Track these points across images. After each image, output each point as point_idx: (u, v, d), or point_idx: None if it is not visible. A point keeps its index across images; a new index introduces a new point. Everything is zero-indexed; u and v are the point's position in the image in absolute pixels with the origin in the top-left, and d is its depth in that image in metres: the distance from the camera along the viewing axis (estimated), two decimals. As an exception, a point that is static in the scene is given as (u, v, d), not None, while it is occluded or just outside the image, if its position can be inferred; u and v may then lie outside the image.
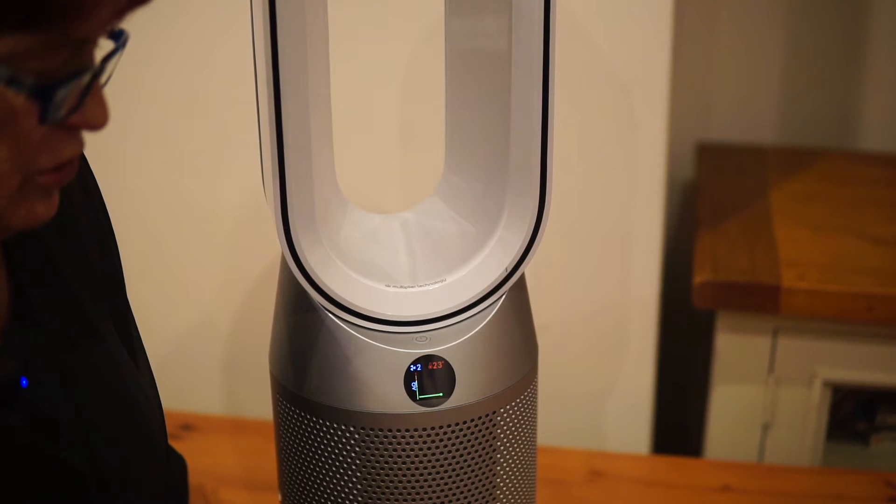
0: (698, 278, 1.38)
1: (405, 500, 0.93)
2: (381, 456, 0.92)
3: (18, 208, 0.66)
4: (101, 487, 0.78)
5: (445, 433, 0.92)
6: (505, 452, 0.95)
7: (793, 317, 1.38)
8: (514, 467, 0.97)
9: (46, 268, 0.79)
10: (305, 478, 0.95)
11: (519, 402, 0.96)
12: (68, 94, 0.63)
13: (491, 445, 0.94)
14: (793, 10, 1.68)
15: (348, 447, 0.92)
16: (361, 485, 0.93)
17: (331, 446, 0.93)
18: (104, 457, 0.79)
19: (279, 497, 1.03)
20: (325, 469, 0.94)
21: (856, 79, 1.70)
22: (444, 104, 0.99)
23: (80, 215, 0.84)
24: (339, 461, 0.93)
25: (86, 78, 0.64)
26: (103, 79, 0.66)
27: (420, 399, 0.91)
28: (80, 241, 0.83)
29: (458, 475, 0.93)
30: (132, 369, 0.86)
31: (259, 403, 1.38)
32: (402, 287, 0.94)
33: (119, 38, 0.66)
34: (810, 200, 1.55)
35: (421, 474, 0.92)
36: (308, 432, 0.93)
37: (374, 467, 0.92)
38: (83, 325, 0.81)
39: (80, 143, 0.67)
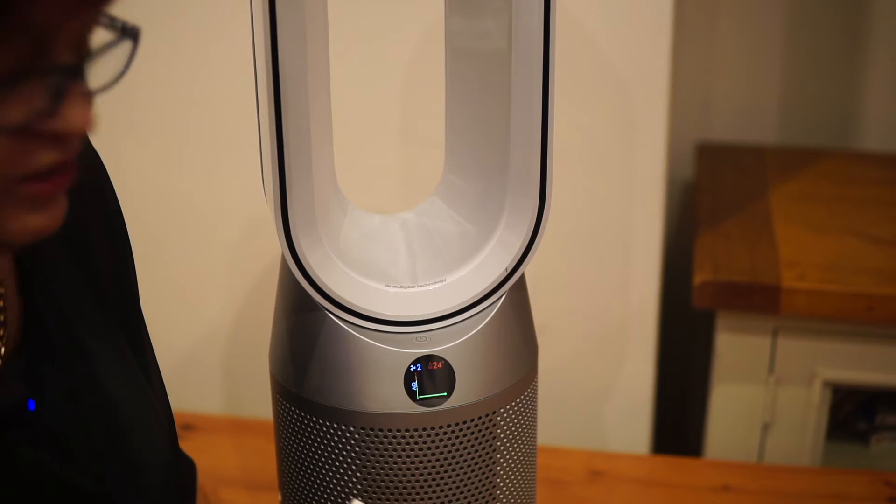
0: (698, 278, 1.38)
1: (405, 500, 0.93)
2: (381, 456, 0.92)
3: (7, 222, 0.62)
4: None
5: (445, 433, 0.92)
6: (505, 452, 0.95)
7: (793, 317, 1.38)
8: (514, 467, 0.97)
9: (59, 286, 0.78)
10: (305, 478, 0.95)
11: (519, 402, 0.95)
12: (22, 97, 0.58)
13: (491, 445, 0.94)
14: (793, 10, 1.68)
15: (348, 447, 0.92)
16: (361, 485, 0.93)
17: (331, 446, 0.92)
18: (113, 477, 0.78)
19: (279, 497, 1.03)
20: (325, 469, 0.94)
21: (856, 79, 1.70)
22: (444, 104, 0.99)
23: (94, 226, 0.84)
24: (339, 461, 0.93)
25: (53, 81, 0.58)
26: (99, 80, 0.61)
27: (420, 399, 0.91)
28: (94, 254, 0.83)
29: (458, 475, 0.93)
30: (143, 385, 0.85)
31: (259, 403, 1.38)
32: (402, 287, 0.94)
33: (127, 34, 0.61)
34: (810, 200, 1.55)
35: (421, 474, 0.92)
36: (308, 432, 0.93)
37: (374, 467, 0.92)
38: (95, 343, 0.80)
39: (66, 150, 0.62)
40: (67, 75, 0.60)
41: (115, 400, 0.80)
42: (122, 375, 0.83)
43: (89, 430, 0.77)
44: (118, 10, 0.63)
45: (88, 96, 0.61)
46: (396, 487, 0.93)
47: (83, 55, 0.61)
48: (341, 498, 0.94)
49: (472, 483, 0.94)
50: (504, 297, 0.94)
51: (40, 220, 0.63)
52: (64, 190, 0.64)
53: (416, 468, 0.92)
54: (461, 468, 0.93)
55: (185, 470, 1.00)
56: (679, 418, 1.77)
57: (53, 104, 0.59)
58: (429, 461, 0.92)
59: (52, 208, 0.64)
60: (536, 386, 0.99)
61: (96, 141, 0.90)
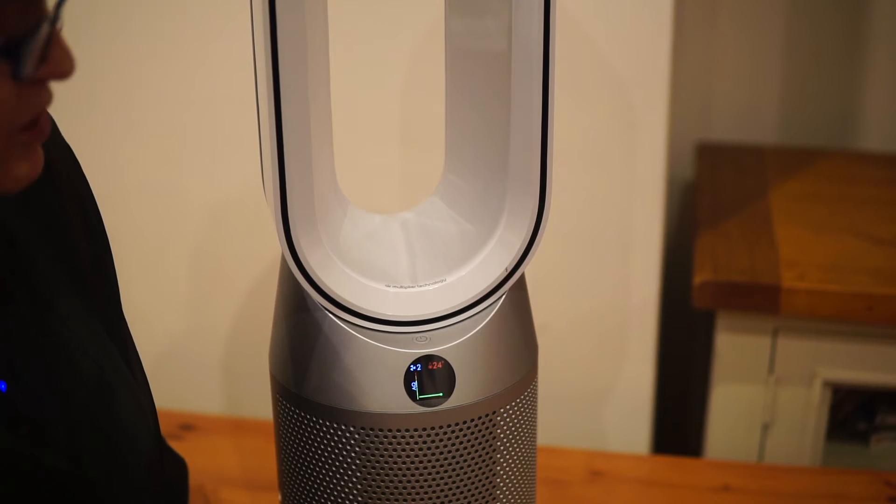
0: (698, 278, 1.38)
1: (405, 500, 0.93)
2: (381, 456, 0.92)
3: (8, 169, 0.67)
4: (86, 490, 0.78)
5: (445, 433, 0.92)
6: (505, 452, 0.95)
7: (793, 317, 1.38)
8: (514, 467, 0.97)
9: (33, 274, 0.79)
10: (305, 478, 0.95)
11: (519, 402, 0.96)
12: (34, 47, 0.63)
13: (491, 445, 0.94)
14: (793, 10, 1.68)
15: (348, 447, 0.92)
16: (361, 485, 0.93)
17: (331, 446, 0.93)
18: (90, 459, 0.78)
19: (279, 497, 1.03)
20: (325, 469, 0.94)
21: (856, 79, 1.70)
22: (444, 104, 0.99)
23: (70, 218, 0.84)
24: (339, 461, 0.93)
25: (45, 28, 0.63)
26: (59, 25, 0.65)
27: (420, 399, 0.91)
28: (71, 243, 0.83)
29: (458, 475, 0.93)
30: (122, 372, 0.85)
31: (259, 403, 1.38)
32: (402, 287, 0.94)
33: None
34: (810, 200, 1.55)
35: (421, 474, 0.92)
36: (308, 432, 0.93)
37: (374, 467, 0.92)
38: (71, 329, 0.80)
39: (50, 95, 0.67)
40: (52, 22, 0.63)
41: (93, 384, 0.81)
42: (101, 361, 0.82)
43: (67, 413, 0.77)
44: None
45: (62, 38, 0.65)
46: (396, 487, 0.93)
47: None
48: (341, 498, 0.94)
49: (472, 483, 0.94)
50: (504, 297, 0.94)
51: (27, 168, 0.68)
52: (45, 137, 0.68)
53: (416, 468, 0.92)
54: (461, 468, 0.93)
55: (175, 468, 0.99)
56: (679, 418, 1.77)
57: (47, 51, 0.63)
58: (429, 461, 0.92)
59: (36, 156, 0.68)
60: (536, 386, 0.99)
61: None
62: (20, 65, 0.63)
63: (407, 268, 0.96)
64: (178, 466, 1.01)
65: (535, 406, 0.99)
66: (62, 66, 0.66)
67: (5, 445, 0.73)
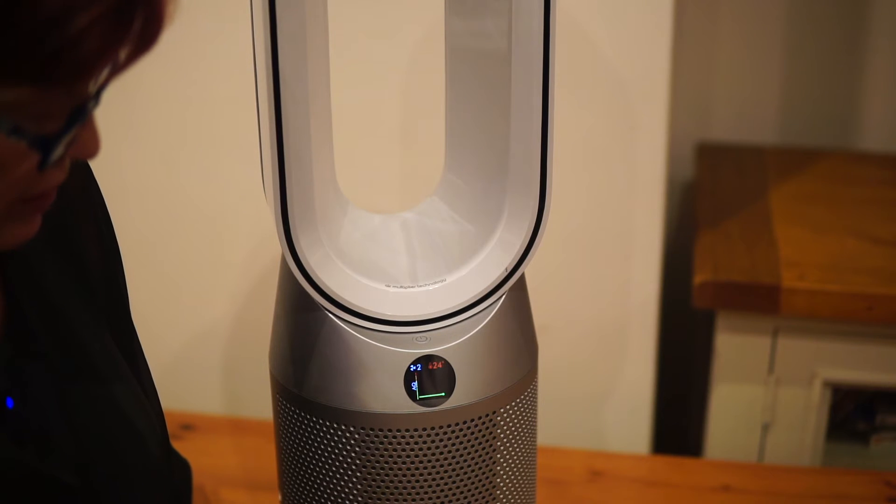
0: (698, 278, 1.38)
1: (405, 500, 0.93)
2: (381, 456, 0.92)
3: (3, 233, 0.66)
4: (92, 502, 0.78)
5: (445, 433, 0.92)
6: (505, 452, 0.95)
7: (793, 317, 1.38)
8: (514, 467, 0.97)
9: (42, 286, 0.78)
10: (305, 478, 0.95)
11: (519, 402, 0.96)
12: (67, 141, 0.63)
13: (491, 445, 0.94)
14: (793, 10, 1.68)
15: (348, 447, 0.92)
16: (361, 485, 0.93)
17: (331, 446, 0.93)
18: (96, 471, 0.78)
19: (279, 497, 1.03)
20: (325, 469, 0.94)
21: (856, 79, 1.70)
22: (444, 104, 0.99)
23: (82, 229, 0.84)
24: (339, 461, 0.93)
25: (80, 125, 0.63)
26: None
27: (420, 399, 0.91)
28: (81, 254, 0.83)
29: (458, 475, 0.93)
30: (131, 383, 0.85)
31: (259, 403, 1.38)
32: (402, 287, 0.94)
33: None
34: (810, 200, 1.55)
35: (421, 474, 0.93)
36: (308, 432, 0.93)
37: (374, 467, 0.92)
38: (79, 340, 0.80)
39: (66, 173, 0.67)
40: (93, 105, 0.63)
41: (102, 396, 0.81)
42: (110, 373, 0.82)
43: (74, 425, 0.77)
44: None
45: (93, 120, 0.65)
46: (396, 487, 0.93)
47: (101, 84, 0.64)
48: (341, 498, 0.94)
49: (472, 483, 0.94)
50: (504, 297, 0.94)
51: (25, 230, 0.68)
52: (48, 206, 0.68)
53: (416, 468, 0.92)
54: (461, 468, 0.93)
55: (179, 471, 0.99)
56: (679, 418, 1.77)
57: (79, 132, 0.63)
58: (429, 461, 0.92)
59: (36, 220, 0.68)
60: (536, 386, 0.99)
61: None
62: (49, 157, 0.62)
63: (407, 268, 0.96)
64: (182, 469, 1.01)
65: (535, 406, 0.99)
66: (88, 147, 0.65)
67: (12, 459, 0.73)
